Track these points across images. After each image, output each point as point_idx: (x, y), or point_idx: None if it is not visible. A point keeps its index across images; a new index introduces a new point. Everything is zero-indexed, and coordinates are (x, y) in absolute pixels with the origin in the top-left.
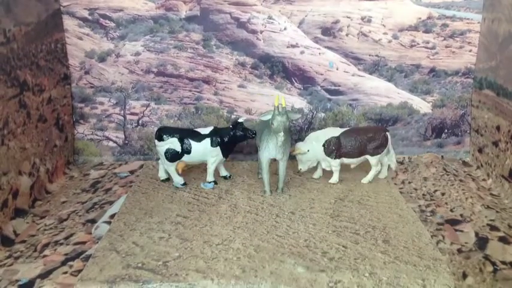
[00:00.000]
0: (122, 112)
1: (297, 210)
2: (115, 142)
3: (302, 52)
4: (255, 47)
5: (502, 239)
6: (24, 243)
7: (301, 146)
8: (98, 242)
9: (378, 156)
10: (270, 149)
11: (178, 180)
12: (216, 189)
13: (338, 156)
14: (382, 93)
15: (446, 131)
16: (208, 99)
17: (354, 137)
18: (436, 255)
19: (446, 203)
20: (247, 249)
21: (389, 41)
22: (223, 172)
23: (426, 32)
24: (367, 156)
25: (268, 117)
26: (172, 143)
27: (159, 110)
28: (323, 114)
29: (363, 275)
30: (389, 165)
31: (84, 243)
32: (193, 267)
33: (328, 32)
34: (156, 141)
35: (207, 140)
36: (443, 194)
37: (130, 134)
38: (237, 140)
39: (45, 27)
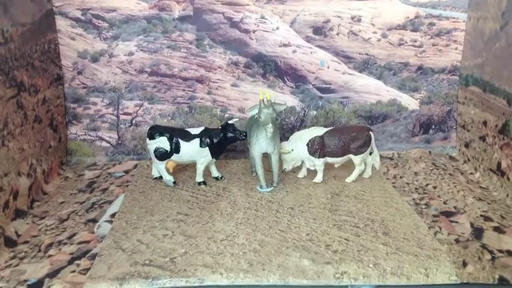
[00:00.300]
0: (115, 112)
1: (296, 206)
2: (108, 142)
3: (294, 51)
4: (248, 47)
5: (496, 229)
6: (27, 243)
7: (285, 145)
8: (102, 241)
9: (362, 155)
10: (261, 143)
11: (168, 178)
12: (213, 187)
13: (322, 155)
14: (372, 90)
15: (433, 127)
16: (201, 99)
17: (338, 137)
18: (436, 245)
19: (439, 196)
20: (252, 244)
21: (379, 40)
22: (215, 173)
23: (414, 30)
24: (351, 156)
25: (255, 111)
26: (162, 142)
27: (152, 109)
28: (315, 112)
29: (367, 266)
30: (373, 165)
31: (88, 242)
32: (200, 262)
33: (319, 31)
34: (147, 139)
35: (197, 140)
36: (435, 188)
37: (124, 134)
38: (227, 142)
39: (39, 27)
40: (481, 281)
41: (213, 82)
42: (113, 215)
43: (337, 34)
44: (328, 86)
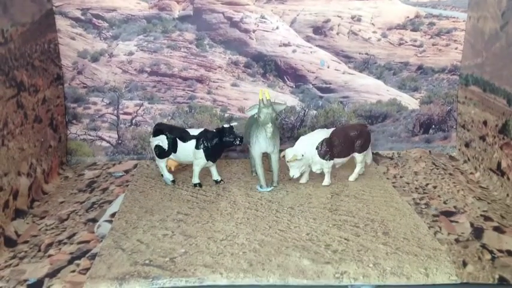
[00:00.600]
0: (115, 112)
1: (296, 206)
2: (108, 142)
3: (294, 51)
4: (248, 46)
5: (496, 229)
6: (27, 243)
7: (295, 152)
8: (101, 241)
9: (364, 152)
10: (261, 143)
11: (167, 176)
12: (213, 187)
13: (331, 157)
14: (372, 90)
15: (433, 126)
16: (201, 98)
17: (343, 137)
18: (436, 245)
19: (439, 196)
20: (252, 243)
21: (379, 40)
22: (215, 176)
23: (414, 30)
24: (355, 154)
25: (255, 111)
26: (161, 140)
27: (152, 109)
28: (315, 112)
29: (367, 266)
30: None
31: (88, 242)
32: (200, 262)
33: (319, 31)
34: (151, 136)
35: (193, 142)
36: (435, 187)
37: (124, 133)
38: (223, 146)
39: (39, 27)
40: (481, 280)
41: (213, 82)
42: (112, 215)
43: (337, 34)
44: (328, 85)
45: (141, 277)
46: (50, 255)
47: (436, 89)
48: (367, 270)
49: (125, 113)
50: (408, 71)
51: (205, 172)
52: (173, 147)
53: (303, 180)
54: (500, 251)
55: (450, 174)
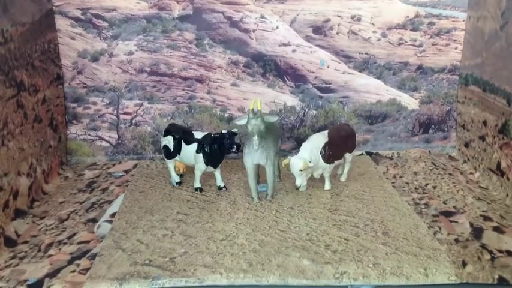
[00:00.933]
0: (115, 112)
1: (296, 206)
2: (108, 142)
3: (294, 51)
4: (248, 46)
5: (496, 229)
6: (27, 243)
7: (304, 160)
8: (101, 241)
9: (353, 151)
10: (252, 155)
11: (173, 177)
12: (213, 187)
13: (333, 160)
14: (372, 90)
15: (433, 126)
16: (201, 98)
17: (339, 138)
18: (435, 245)
19: (438, 196)
20: (252, 244)
21: (378, 39)
22: (218, 181)
23: (413, 30)
24: (346, 154)
25: (244, 121)
26: (168, 141)
27: (152, 109)
28: (314, 112)
29: (367, 266)
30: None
31: (88, 242)
32: (200, 262)
33: (319, 30)
34: (162, 136)
35: (195, 145)
36: (434, 187)
37: (124, 133)
38: (223, 151)
39: (39, 27)
40: (480, 281)
41: (213, 82)
42: (112, 215)
43: (337, 33)
44: (328, 85)
45: (141, 277)
46: (50, 255)
47: (435, 89)
48: (366, 271)
49: (125, 113)
50: (408, 71)
51: (209, 174)
52: (178, 149)
53: (303, 188)
54: (500, 251)
55: (450, 174)
